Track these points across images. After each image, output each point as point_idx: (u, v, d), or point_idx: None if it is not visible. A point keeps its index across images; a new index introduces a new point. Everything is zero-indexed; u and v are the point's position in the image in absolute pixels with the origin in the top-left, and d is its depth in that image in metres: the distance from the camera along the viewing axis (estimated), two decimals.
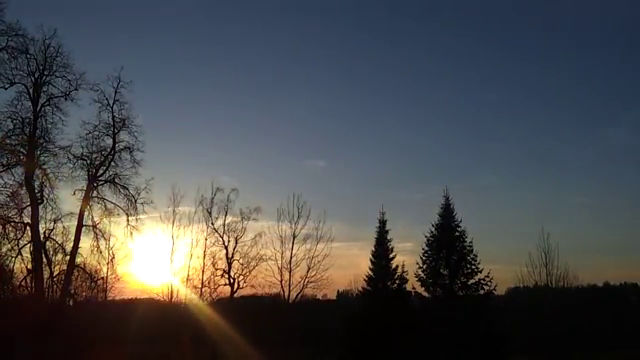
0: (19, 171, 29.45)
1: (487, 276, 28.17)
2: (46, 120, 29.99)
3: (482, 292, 28.14)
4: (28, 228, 29.33)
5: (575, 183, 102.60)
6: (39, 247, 29.25)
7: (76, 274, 31.11)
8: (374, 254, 31.33)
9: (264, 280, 35.22)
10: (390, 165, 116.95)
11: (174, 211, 35.09)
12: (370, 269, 31.17)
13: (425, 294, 28.98)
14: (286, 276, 35.06)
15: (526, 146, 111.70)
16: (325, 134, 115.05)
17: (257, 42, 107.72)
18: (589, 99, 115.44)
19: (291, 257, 35.12)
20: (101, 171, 31.58)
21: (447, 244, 28.70)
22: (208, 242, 35.34)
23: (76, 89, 30.45)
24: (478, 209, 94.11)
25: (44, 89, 29.98)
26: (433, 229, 29.39)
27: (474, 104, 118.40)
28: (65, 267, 30.49)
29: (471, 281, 28.26)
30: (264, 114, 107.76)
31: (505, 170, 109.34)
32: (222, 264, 35.40)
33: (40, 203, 29.58)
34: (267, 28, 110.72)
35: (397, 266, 30.79)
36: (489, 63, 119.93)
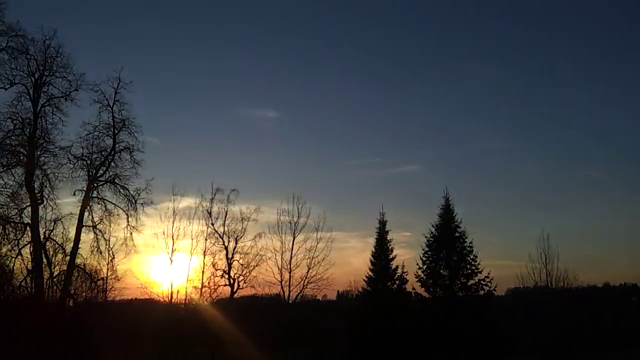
0: (19, 171, 29.48)
1: (487, 277, 28.24)
2: (46, 120, 30.02)
3: (482, 293, 28.19)
4: (28, 228, 29.33)
5: (586, 152, 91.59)
6: (39, 247, 29.25)
7: (76, 274, 31.05)
8: (374, 254, 31.38)
9: (264, 280, 35.23)
10: (372, 129, 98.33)
11: (174, 211, 35.05)
12: (370, 269, 31.23)
13: (425, 295, 29.02)
14: (286, 276, 35.09)
15: (532, 103, 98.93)
16: (279, 83, 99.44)
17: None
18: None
19: (291, 257, 35.13)
20: (101, 171, 31.57)
21: (447, 245, 28.73)
22: (208, 242, 35.30)
23: (76, 89, 30.48)
24: (479, 178, 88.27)
25: (44, 89, 30.01)
26: (433, 229, 29.45)
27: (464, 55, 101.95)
28: (65, 267, 30.47)
29: (471, 282, 28.30)
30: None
31: (508, 133, 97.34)
32: (222, 264, 35.37)
33: (40, 203, 29.58)
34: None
35: (397, 266, 30.89)
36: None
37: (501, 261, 63.69)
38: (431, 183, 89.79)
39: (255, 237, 35.40)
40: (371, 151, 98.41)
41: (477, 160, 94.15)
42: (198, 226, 35.29)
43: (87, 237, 30.96)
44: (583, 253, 72.94)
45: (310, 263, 34.70)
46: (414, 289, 29.56)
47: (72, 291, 31.22)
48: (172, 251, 34.60)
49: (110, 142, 31.62)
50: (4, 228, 28.87)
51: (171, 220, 34.85)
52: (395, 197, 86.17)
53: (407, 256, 43.76)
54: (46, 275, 30.12)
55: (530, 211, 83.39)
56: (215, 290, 35.54)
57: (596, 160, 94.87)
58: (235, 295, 35.77)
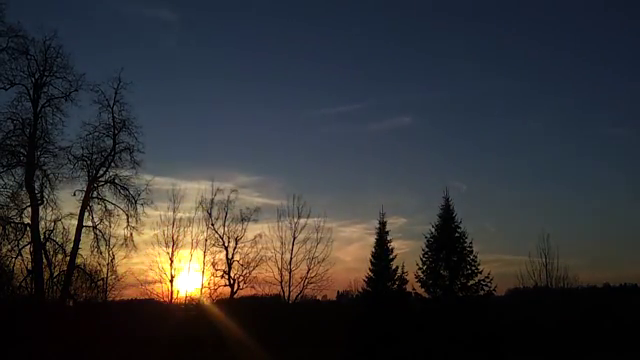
0: (19, 172, 29.58)
1: (487, 277, 28.24)
2: (46, 121, 30.14)
3: (482, 293, 28.18)
4: (28, 229, 29.38)
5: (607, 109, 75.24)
6: (39, 248, 29.29)
7: (76, 275, 31.11)
8: (374, 255, 31.36)
9: (264, 280, 35.31)
10: (340, 58, 70.16)
11: (174, 212, 35.10)
12: (370, 270, 31.23)
13: (425, 295, 29.01)
14: (286, 276, 35.17)
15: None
16: None
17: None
18: None
19: (291, 258, 35.23)
20: (101, 172, 31.69)
21: (447, 245, 28.73)
22: (208, 243, 35.36)
23: (76, 90, 30.63)
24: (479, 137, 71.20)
25: (44, 90, 30.13)
26: (433, 230, 29.46)
27: None
28: (65, 268, 30.54)
29: (471, 282, 28.28)
30: None
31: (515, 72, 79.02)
32: (222, 265, 35.44)
33: (40, 204, 29.64)
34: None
35: (397, 267, 30.88)
36: None
37: (501, 255, 57.96)
38: (426, 144, 71.63)
39: (255, 237, 35.52)
40: (342, 94, 69.89)
41: (477, 105, 75.38)
42: (198, 227, 35.38)
43: (87, 237, 31.15)
44: (582, 246, 69.22)
45: (310, 263, 34.84)
46: (414, 289, 29.57)
47: (72, 291, 31.28)
48: (172, 251, 34.69)
49: (110, 142, 31.77)
50: (4, 228, 28.92)
51: (171, 220, 34.94)
52: (382, 167, 66.43)
53: (405, 249, 41.67)
54: (46, 275, 30.18)
55: (531, 201, 75.00)
56: (215, 290, 35.69)
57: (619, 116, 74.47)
58: (235, 295, 35.86)
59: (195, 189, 36.88)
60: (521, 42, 77.26)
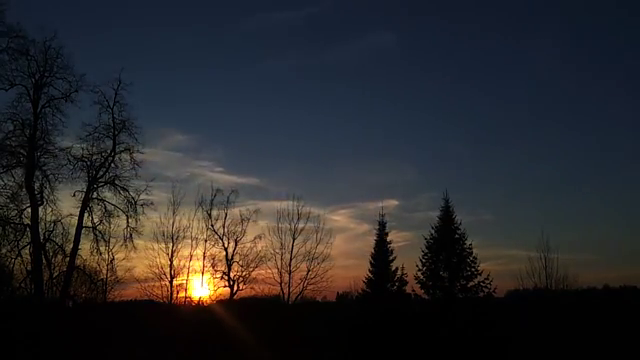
0: (19, 172, 29.56)
1: (487, 278, 28.26)
2: (46, 121, 30.13)
3: (482, 294, 28.20)
4: (28, 229, 29.35)
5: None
6: (39, 248, 29.27)
7: (76, 275, 31.09)
8: (373, 256, 31.41)
9: (264, 282, 35.30)
10: None
11: (174, 212, 35.01)
12: (370, 271, 31.29)
13: (425, 296, 29.03)
14: (286, 278, 35.15)
15: None
16: None
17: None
18: None
19: (291, 259, 35.18)
20: (101, 172, 31.65)
21: (447, 246, 28.75)
22: (208, 244, 35.30)
23: (76, 91, 30.61)
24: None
25: (44, 90, 30.12)
26: (433, 231, 29.50)
27: None
28: (65, 268, 30.50)
29: (471, 283, 28.33)
30: None
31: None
32: (222, 266, 35.39)
33: (40, 204, 29.63)
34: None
35: (397, 268, 30.91)
36: None
37: (499, 250, 56.71)
38: (415, 81, 61.97)
39: (255, 238, 35.47)
40: None
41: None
42: (198, 227, 35.32)
43: (87, 238, 31.10)
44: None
45: (310, 264, 34.83)
46: (414, 291, 29.61)
47: (72, 292, 31.27)
48: (172, 252, 34.61)
49: (110, 143, 31.75)
50: (4, 229, 28.92)
51: (171, 221, 34.89)
52: (359, 128, 56.97)
53: (401, 242, 39.74)
54: (46, 276, 30.14)
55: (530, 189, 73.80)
56: (215, 291, 35.67)
57: None
58: (234, 296, 35.82)
59: (195, 189, 36.78)
60: None
